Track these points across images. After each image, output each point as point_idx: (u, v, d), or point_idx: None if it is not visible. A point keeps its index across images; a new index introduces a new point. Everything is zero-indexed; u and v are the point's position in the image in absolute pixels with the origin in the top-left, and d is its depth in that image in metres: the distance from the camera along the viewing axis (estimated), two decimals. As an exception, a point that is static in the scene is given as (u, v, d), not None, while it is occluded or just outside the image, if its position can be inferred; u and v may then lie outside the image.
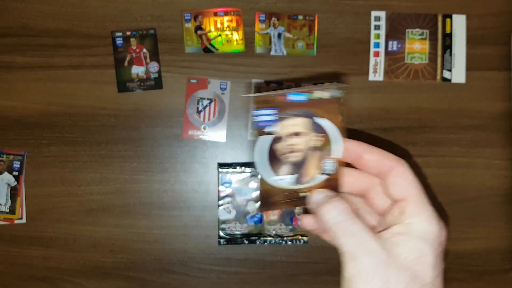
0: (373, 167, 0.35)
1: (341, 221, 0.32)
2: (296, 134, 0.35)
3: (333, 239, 0.33)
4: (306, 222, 0.36)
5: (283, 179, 0.35)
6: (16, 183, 0.71)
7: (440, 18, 0.73)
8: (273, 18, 0.72)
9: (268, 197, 0.35)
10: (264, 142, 0.34)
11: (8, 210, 0.71)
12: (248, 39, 0.72)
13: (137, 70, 0.71)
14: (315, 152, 0.35)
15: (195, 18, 0.71)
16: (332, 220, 0.33)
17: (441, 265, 0.32)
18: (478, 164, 0.73)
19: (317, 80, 0.72)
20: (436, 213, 0.33)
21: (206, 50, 0.72)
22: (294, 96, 0.33)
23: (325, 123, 0.34)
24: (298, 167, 0.35)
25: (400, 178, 0.34)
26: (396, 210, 0.34)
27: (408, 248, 0.32)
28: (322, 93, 0.34)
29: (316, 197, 0.34)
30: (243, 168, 0.72)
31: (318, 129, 0.34)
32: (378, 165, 0.34)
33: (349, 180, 0.36)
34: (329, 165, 0.35)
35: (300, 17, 0.72)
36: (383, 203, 0.35)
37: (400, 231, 0.32)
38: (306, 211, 0.35)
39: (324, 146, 0.35)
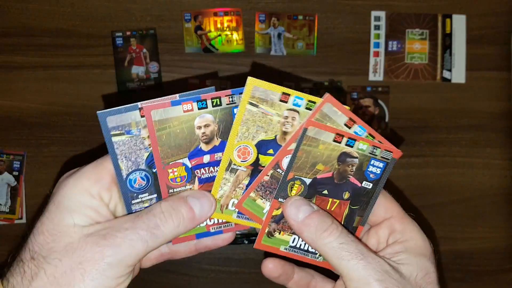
0: None
1: (346, 241, 0.31)
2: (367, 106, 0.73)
3: (336, 265, 0.30)
4: (272, 266, 0.36)
5: None
6: (16, 183, 0.71)
7: (440, 18, 0.73)
8: (273, 18, 0.72)
9: None
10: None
11: (8, 210, 0.71)
12: (248, 39, 0.72)
13: (137, 70, 0.72)
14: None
15: (195, 18, 0.71)
16: (335, 241, 0.31)
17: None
18: (477, 164, 0.73)
19: (317, 80, 0.73)
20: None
21: (206, 50, 0.72)
22: None
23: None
24: None
25: (381, 198, 0.34)
26: (384, 230, 0.34)
27: (413, 266, 0.31)
28: None
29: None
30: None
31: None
32: None
33: None
34: None
35: (300, 17, 0.72)
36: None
37: (398, 250, 0.32)
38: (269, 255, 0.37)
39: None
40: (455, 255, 0.73)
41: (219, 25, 0.72)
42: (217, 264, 0.72)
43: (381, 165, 0.34)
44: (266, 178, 0.34)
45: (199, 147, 0.34)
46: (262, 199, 0.35)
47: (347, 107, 0.33)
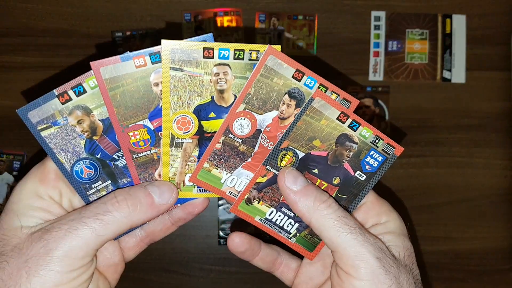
0: None
1: (345, 215, 0.30)
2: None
3: (332, 238, 0.29)
4: (238, 241, 0.35)
5: None
6: (16, 183, 0.71)
7: (440, 18, 0.73)
8: (273, 18, 0.72)
9: None
10: None
11: (8, 210, 0.71)
12: (248, 39, 0.72)
13: (137, 70, 0.71)
14: None
15: (195, 18, 0.71)
16: (334, 213, 0.30)
17: None
18: (477, 164, 0.73)
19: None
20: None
21: (206, 50, 0.72)
22: None
23: None
24: None
25: None
26: (363, 215, 0.33)
27: (399, 247, 0.31)
28: None
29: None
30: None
31: None
32: None
33: None
34: None
35: (300, 17, 0.72)
36: None
37: (381, 231, 0.31)
38: (235, 229, 0.36)
39: None
40: (455, 255, 0.73)
41: (219, 25, 0.72)
42: (217, 264, 0.72)
43: (380, 158, 0.32)
44: (218, 145, 0.32)
45: (160, 106, 0.31)
46: (217, 169, 0.32)
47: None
